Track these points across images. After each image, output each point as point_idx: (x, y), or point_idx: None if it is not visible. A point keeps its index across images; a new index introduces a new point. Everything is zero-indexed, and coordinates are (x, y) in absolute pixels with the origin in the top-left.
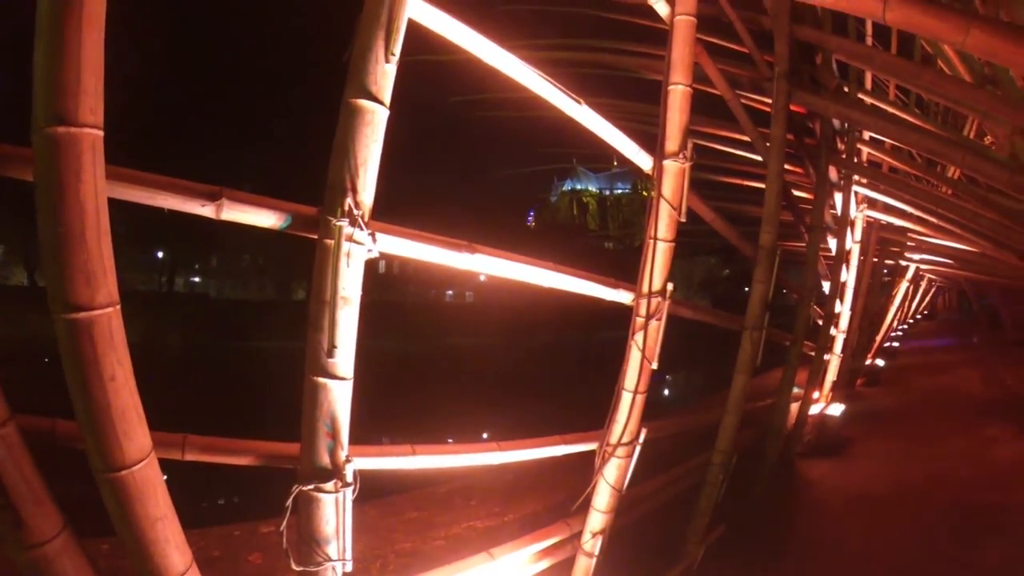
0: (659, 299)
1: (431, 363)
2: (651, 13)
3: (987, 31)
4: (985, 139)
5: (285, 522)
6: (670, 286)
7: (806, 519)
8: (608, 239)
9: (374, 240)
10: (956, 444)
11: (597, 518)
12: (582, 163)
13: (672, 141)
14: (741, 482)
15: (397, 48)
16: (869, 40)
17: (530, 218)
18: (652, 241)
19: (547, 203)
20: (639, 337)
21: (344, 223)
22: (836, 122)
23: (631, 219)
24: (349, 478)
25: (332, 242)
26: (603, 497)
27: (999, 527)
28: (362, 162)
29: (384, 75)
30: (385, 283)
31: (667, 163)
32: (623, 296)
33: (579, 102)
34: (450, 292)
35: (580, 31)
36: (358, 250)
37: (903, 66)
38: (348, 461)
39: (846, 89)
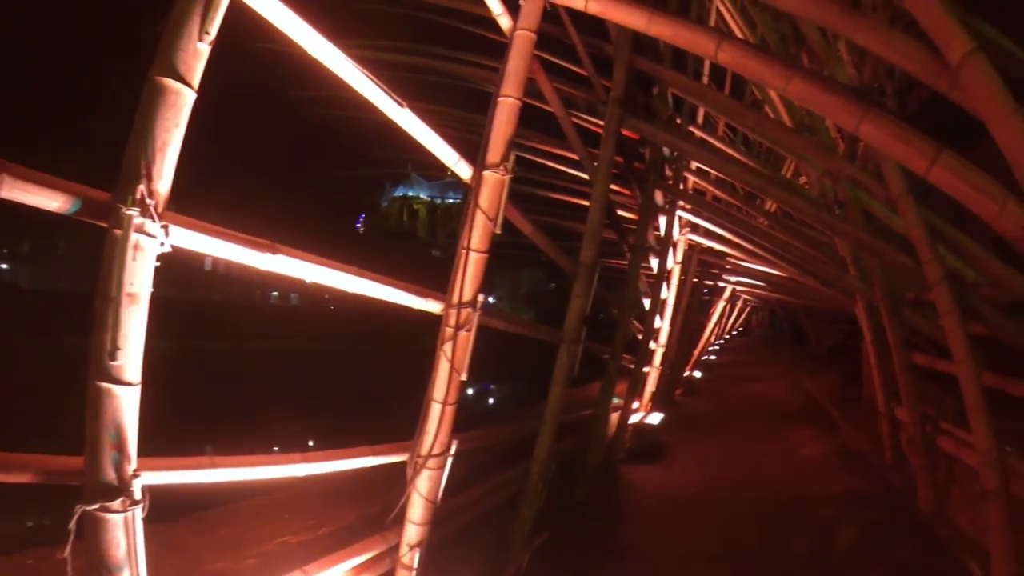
0: (469, 310)
1: (251, 367)
2: (496, 26)
3: (806, 81)
4: (800, 179)
5: (70, 547)
6: (480, 297)
7: (628, 521)
8: (436, 248)
9: (167, 233)
10: (765, 446)
11: (413, 530)
12: (417, 170)
13: (495, 152)
14: (566, 488)
15: (214, 28)
16: (706, 79)
17: (359, 222)
18: (465, 251)
19: (378, 208)
20: (448, 347)
21: (135, 212)
22: (666, 150)
23: (460, 229)
24: (137, 495)
25: (120, 232)
26: (417, 509)
27: (803, 518)
28: (161, 147)
29: (196, 55)
30: (209, 282)
31: (487, 173)
32: (432, 306)
33: (402, 105)
34: (275, 293)
35: (426, 37)
36: (149, 243)
37: (731, 105)
38: (136, 476)
39: (678, 121)
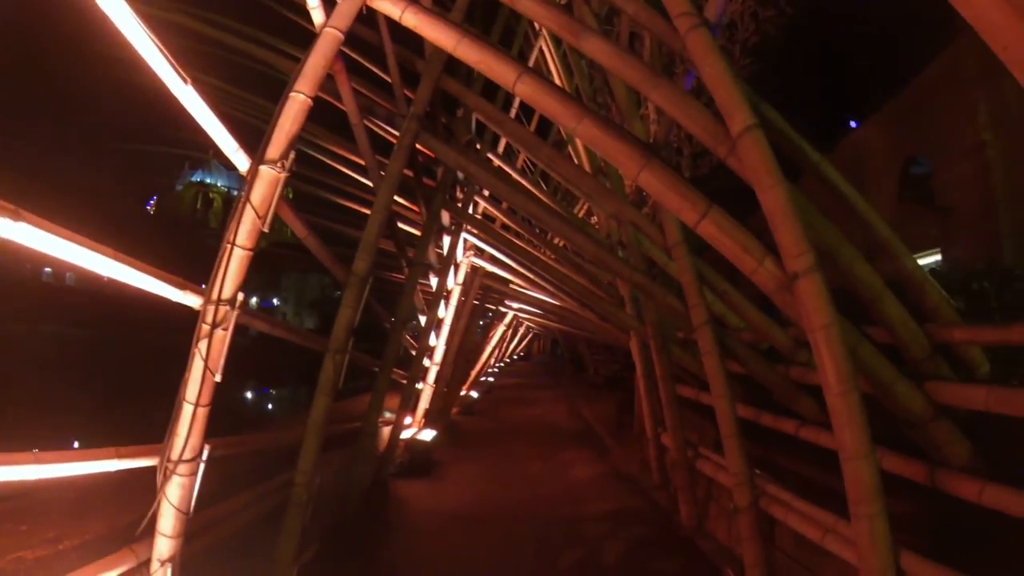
0: (228, 308)
1: (8, 352)
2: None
3: (597, 124)
4: (592, 219)
5: None
6: (241, 296)
7: (399, 538)
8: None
9: None
10: (540, 466)
11: (164, 543)
12: (218, 157)
13: (275, 148)
14: (336, 502)
15: None
16: (514, 112)
17: (151, 204)
18: (229, 246)
19: (172, 191)
20: (203, 346)
21: None
22: (460, 173)
23: (227, 222)
24: None
25: None
26: (168, 520)
27: (575, 535)
28: None
29: None
30: None
31: (263, 168)
32: (191, 300)
33: (186, 80)
34: (48, 270)
35: (240, 14)
36: None
37: (527, 138)
38: None
39: (479, 146)
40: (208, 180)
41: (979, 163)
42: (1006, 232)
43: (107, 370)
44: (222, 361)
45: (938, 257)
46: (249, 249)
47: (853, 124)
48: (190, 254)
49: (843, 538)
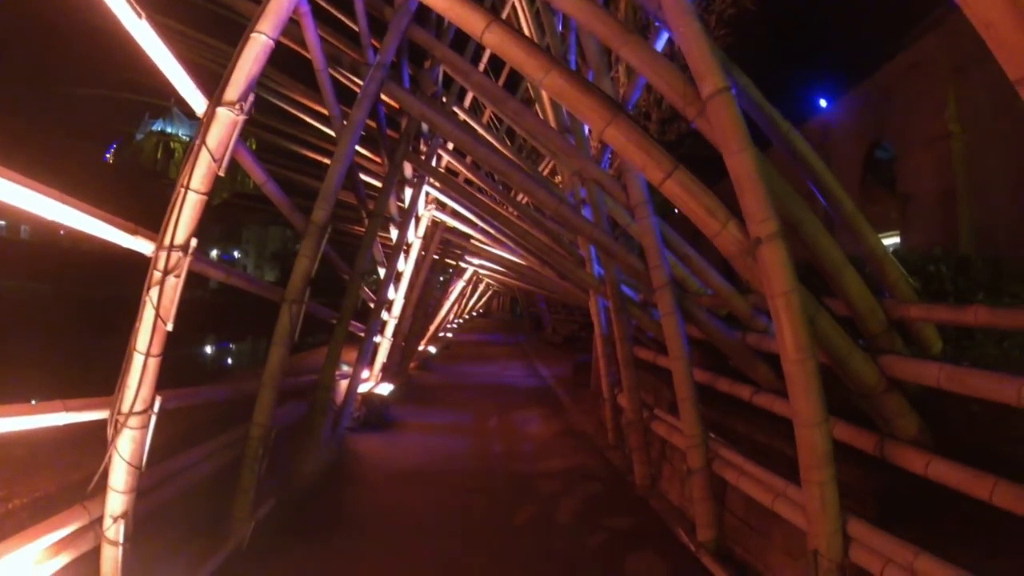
0: (180, 254)
1: None
2: None
3: (564, 77)
4: (556, 178)
5: None
6: (194, 241)
7: (356, 492)
8: None
9: None
10: (496, 422)
11: (117, 499)
12: (180, 106)
13: (234, 89)
14: (293, 456)
15: None
16: (482, 67)
17: (110, 152)
18: (183, 189)
19: (131, 140)
20: (154, 293)
21: None
22: (425, 125)
23: (182, 166)
24: None
25: None
26: (120, 475)
27: (530, 491)
28: None
29: None
30: None
31: (221, 110)
32: (143, 245)
33: (140, 15)
34: (2, 223)
35: None
36: None
37: (494, 91)
38: None
39: (444, 100)
40: (169, 130)
41: (943, 153)
42: (964, 223)
43: (60, 324)
44: (174, 310)
45: (897, 240)
46: (204, 193)
47: (823, 104)
48: (150, 205)
49: (793, 503)
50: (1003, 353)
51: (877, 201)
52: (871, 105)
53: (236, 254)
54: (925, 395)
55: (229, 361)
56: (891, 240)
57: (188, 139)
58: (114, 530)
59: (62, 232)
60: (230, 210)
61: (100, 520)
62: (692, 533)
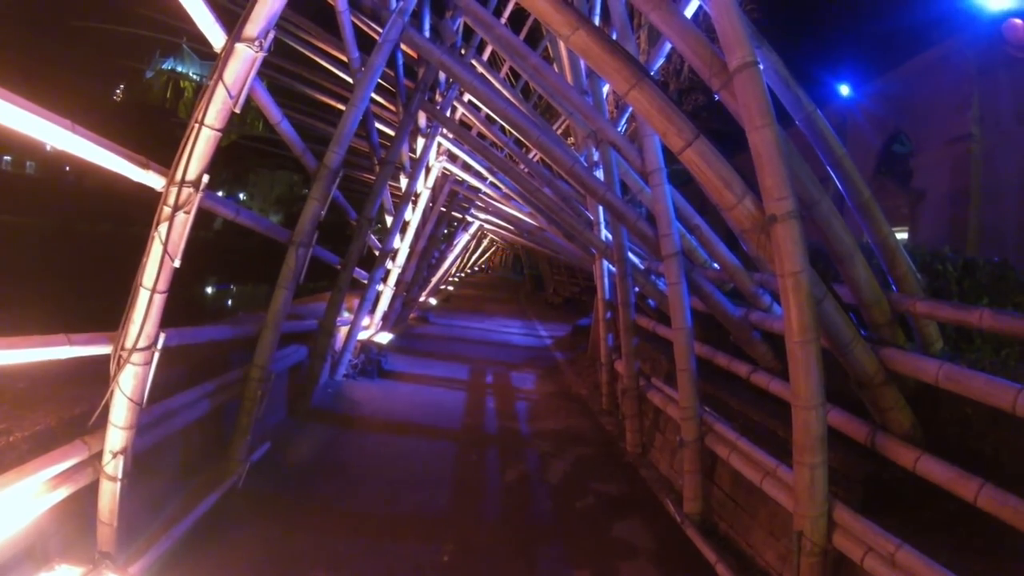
0: (191, 190)
1: None
2: None
3: (592, 35)
4: (569, 139)
5: None
6: (205, 178)
7: (350, 438)
8: None
9: None
10: (493, 379)
11: (117, 435)
12: (191, 44)
13: (253, 25)
14: (291, 400)
15: None
16: (504, 19)
17: (119, 91)
18: (197, 124)
19: (141, 78)
20: (163, 229)
21: None
22: (442, 76)
23: (197, 101)
24: None
25: None
26: (121, 411)
27: (520, 449)
28: None
29: None
30: None
31: (239, 46)
32: (154, 180)
33: None
34: (8, 158)
35: None
36: None
37: (515, 45)
38: None
39: (463, 52)
40: (180, 68)
41: (961, 153)
42: (973, 224)
43: (63, 260)
44: (182, 246)
45: (905, 236)
46: (218, 130)
47: (846, 90)
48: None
49: (781, 483)
50: (1001, 361)
51: (888, 194)
52: (894, 97)
53: (242, 196)
54: (921, 391)
55: (229, 303)
56: (901, 235)
57: (199, 78)
58: (113, 465)
59: (67, 168)
60: (238, 151)
61: (99, 455)
62: (679, 504)
